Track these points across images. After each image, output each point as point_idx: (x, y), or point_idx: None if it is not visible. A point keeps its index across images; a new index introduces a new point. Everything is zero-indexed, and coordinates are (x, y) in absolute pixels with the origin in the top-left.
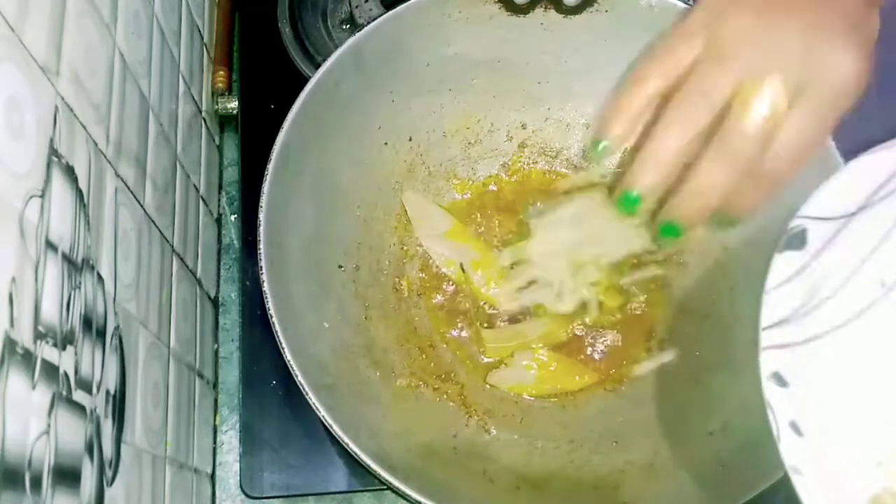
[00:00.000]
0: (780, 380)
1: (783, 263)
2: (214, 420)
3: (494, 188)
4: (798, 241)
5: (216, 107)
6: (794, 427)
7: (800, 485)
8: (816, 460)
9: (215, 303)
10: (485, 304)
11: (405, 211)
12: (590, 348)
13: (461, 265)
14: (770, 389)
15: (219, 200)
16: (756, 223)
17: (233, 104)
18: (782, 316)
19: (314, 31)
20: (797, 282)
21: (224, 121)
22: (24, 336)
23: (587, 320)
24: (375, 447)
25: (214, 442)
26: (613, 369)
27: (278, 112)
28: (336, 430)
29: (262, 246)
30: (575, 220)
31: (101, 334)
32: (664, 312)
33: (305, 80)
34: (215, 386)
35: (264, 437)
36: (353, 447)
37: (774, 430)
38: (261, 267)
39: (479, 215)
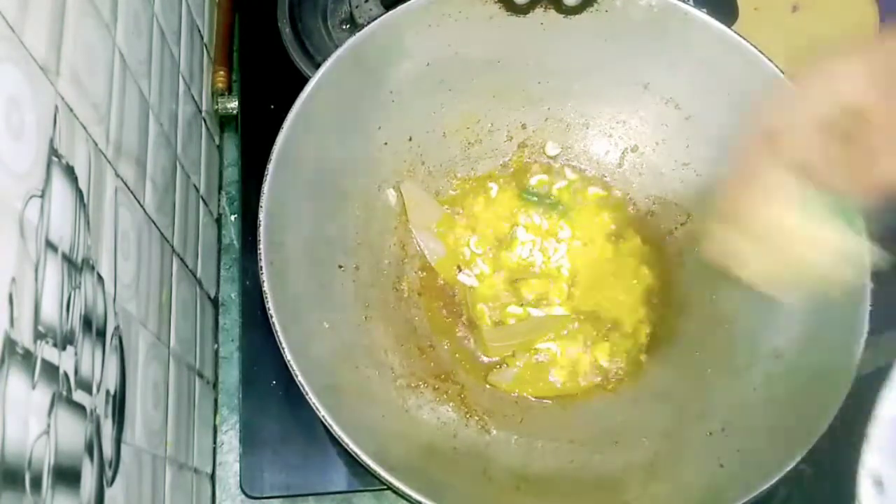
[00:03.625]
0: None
1: None
2: (214, 420)
3: (493, 186)
4: None
5: (216, 107)
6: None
7: None
8: None
9: (215, 303)
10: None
11: (405, 211)
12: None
13: (458, 267)
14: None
15: (219, 200)
16: None
17: (233, 104)
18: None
19: (314, 31)
20: None
21: (224, 121)
22: (24, 336)
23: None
24: (375, 447)
25: (214, 442)
26: (613, 369)
27: (278, 112)
28: (336, 430)
29: (262, 246)
30: None
31: (101, 334)
32: (664, 312)
33: (305, 80)
34: (215, 386)
35: (264, 437)
36: (353, 447)
37: None
38: (261, 267)
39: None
